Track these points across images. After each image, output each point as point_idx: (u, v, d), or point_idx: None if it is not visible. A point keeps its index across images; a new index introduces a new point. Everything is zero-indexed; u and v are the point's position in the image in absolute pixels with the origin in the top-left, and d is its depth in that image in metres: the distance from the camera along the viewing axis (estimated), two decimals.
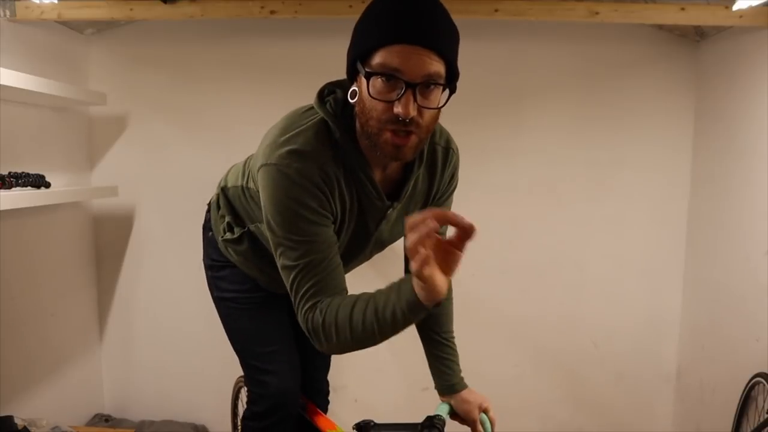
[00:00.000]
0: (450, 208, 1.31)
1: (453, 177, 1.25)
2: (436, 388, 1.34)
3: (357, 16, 1.01)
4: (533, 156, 2.46)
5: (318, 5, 2.04)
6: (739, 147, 2.11)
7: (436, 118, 1.01)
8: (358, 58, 0.97)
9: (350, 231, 1.15)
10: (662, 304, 2.50)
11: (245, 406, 1.52)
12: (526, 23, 2.30)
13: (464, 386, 1.31)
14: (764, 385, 1.88)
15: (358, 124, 1.04)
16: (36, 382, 2.17)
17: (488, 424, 1.28)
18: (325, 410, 1.64)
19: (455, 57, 0.98)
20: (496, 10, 2.01)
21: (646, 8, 2.01)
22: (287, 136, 1.03)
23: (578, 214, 2.48)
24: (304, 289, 1.02)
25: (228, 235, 1.37)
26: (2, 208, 1.65)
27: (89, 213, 2.51)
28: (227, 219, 1.37)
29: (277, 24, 2.35)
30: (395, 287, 0.93)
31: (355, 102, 1.02)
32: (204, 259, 1.52)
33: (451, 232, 0.85)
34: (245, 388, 1.62)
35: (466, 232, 0.81)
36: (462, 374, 1.33)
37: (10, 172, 1.84)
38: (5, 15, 1.98)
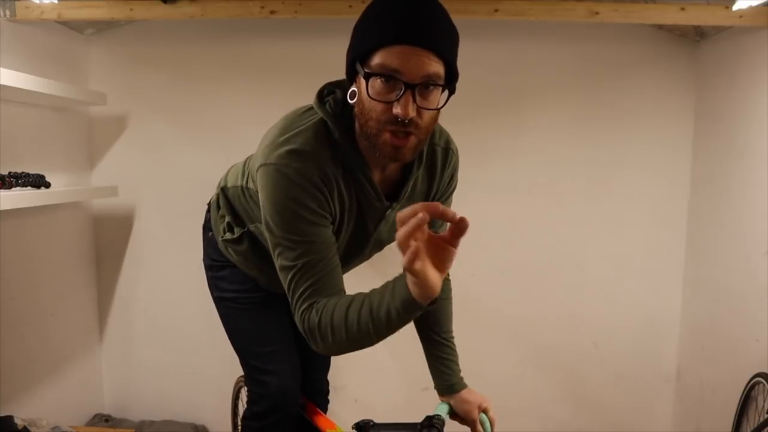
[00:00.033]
0: None
1: (452, 178, 1.25)
2: (435, 388, 1.34)
3: (357, 16, 1.00)
4: (533, 156, 2.46)
5: (318, 5, 2.04)
6: (739, 147, 2.11)
7: (435, 119, 1.01)
8: (357, 58, 0.97)
9: (349, 231, 1.15)
10: (662, 304, 2.50)
11: (245, 405, 1.52)
12: (526, 23, 2.30)
13: (464, 386, 1.31)
14: (764, 385, 1.88)
15: (357, 125, 1.04)
16: (36, 382, 2.17)
17: (488, 424, 1.28)
18: (325, 410, 1.64)
19: (455, 58, 0.98)
20: (496, 10, 2.01)
21: (646, 8, 2.01)
22: (286, 136, 1.03)
23: (578, 214, 2.48)
24: (302, 289, 1.01)
25: (228, 235, 1.37)
26: (2, 208, 1.65)
27: (89, 213, 2.51)
28: (227, 219, 1.37)
29: (277, 24, 2.35)
30: (389, 286, 0.92)
31: (354, 102, 1.02)
32: (204, 259, 1.52)
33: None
34: (245, 388, 1.62)
35: (458, 227, 0.80)
36: (461, 374, 1.33)
37: (10, 172, 1.84)
38: (5, 15, 1.98)
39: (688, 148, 2.43)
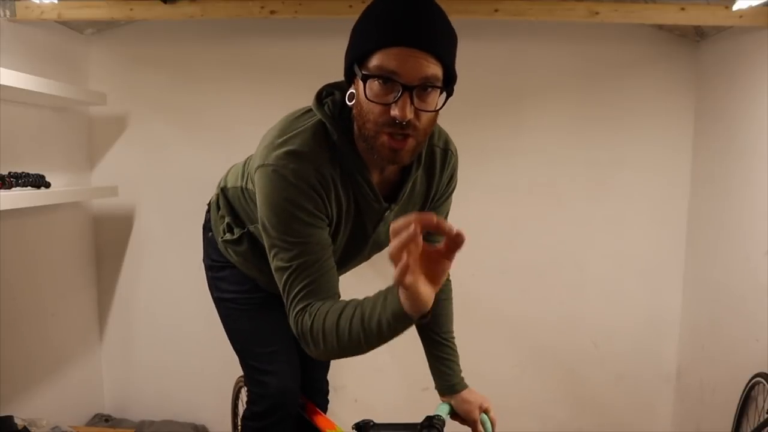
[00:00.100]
0: (449, 210, 1.31)
1: (452, 178, 1.25)
2: (436, 388, 1.34)
3: (357, 16, 1.00)
4: (533, 156, 2.46)
5: (318, 5, 2.04)
6: (739, 147, 2.10)
7: (433, 120, 1.01)
8: (355, 60, 0.97)
9: (347, 232, 1.15)
10: (662, 304, 2.50)
11: (245, 406, 1.52)
12: (526, 23, 2.30)
13: (464, 386, 1.31)
14: (764, 385, 1.88)
15: (355, 127, 1.04)
16: (36, 382, 2.17)
17: (489, 424, 1.28)
18: (325, 410, 1.64)
19: (453, 60, 0.98)
20: (496, 10, 2.01)
21: (646, 8, 2.01)
22: (284, 137, 1.03)
23: (578, 214, 2.48)
24: (296, 290, 1.01)
25: (228, 236, 1.37)
26: (2, 208, 1.65)
27: (89, 213, 2.51)
28: (227, 220, 1.37)
29: (277, 24, 2.35)
30: (382, 296, 0.90)
31: (352, 104, 1.01)
32: (204, 260, 1.52)
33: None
34: (245, 388, 1.62)
35: (454, 241, 0.77)
36: (462, 374, 1.33)
37: (10, 172, 1.84)
38: (5, 15, 1.98)
39: (688, 148, 2.43)
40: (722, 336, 2.20)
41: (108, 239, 2.55)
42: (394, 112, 0.93)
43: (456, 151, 1.23)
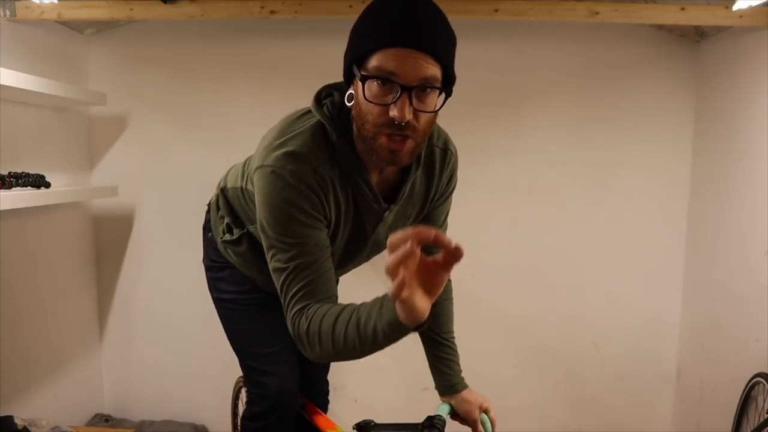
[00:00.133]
0: (449, 210, 1.31)
1: (451, 179, 1.25)
2: (436, 388, 1.35)
3: (357, 17, 1.00)
4: (533, 156, 2.46)
5: (318, 5, 2.04)
6: (739, 147, 2.10)
7: (432, 121, 1.01)
8: (354, 61, 0.97)
9: (347, 233, 1.14)
10: (662, 304, 2.50)
11: (245, 406, 1.52)
12: (526, 23, 2.30)
13: (465, 386, 1.31)
14: (764, 385, 1.88)
15: (354, 128, 1.04)
16: (36, 382, 2.17)
17: (489, 424, 1.28)
18: (325, 410, 1.64)
19: (452, 61, 0.98)
20: (496, 10, 2.01)
21: (646, 8, 2.01)
22: (283, 138, 1.03)
23: (578, 214, 2.48)
24: (294, 291, 1.01)
25: (227, 237, 1.37)
26: (2, 208, 1.65)
27: (89, 213, 2.51)
28: (227, 220, 1.37)
29: (277, 24, 2.35)
30: (378, 303, 0.90)
31: (351, 105, 1.01)
32: (204, 260, 1.52)
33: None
34: (245, 389, 1.62)
35: (452, 254, 0.77)
36: (462, 374, 1.33)
37: (10, 172, 1.84)
38: (5, 15, 1.98)
39: (688, 148, 2.43)
40: (722, 336, 2.20)
41: (108, 239, 2.55)
42: (393, 113, 0.93)
43: (455, 151, 1.23)
